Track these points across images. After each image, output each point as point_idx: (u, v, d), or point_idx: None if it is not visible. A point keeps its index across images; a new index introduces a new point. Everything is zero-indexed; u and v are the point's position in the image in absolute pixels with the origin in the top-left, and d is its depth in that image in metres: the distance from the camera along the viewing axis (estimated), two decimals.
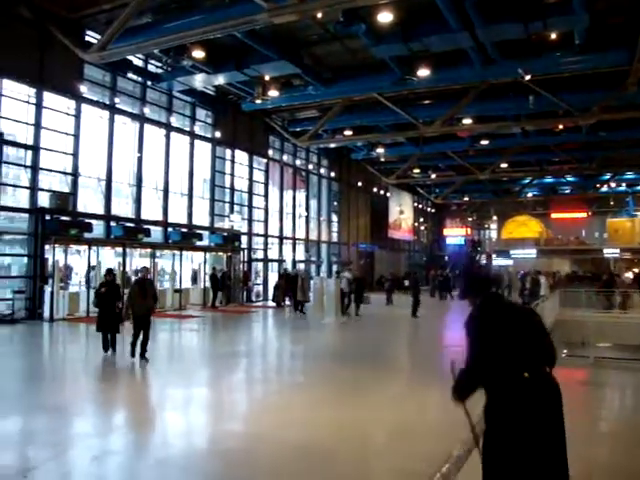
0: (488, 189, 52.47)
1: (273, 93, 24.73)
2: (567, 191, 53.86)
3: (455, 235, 63.36)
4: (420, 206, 57.73)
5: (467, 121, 29.04)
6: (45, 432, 7.32)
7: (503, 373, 3.62)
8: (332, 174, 39.49)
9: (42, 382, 10.44)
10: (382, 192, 46.56)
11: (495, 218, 61.85)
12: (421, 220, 58.60)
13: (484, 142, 33.61)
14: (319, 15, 17.89)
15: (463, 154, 37.66)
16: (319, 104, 28.34)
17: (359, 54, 22.23)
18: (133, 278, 23.87)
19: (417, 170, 45.39)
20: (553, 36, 19.08)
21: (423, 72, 21.57)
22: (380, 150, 37.00)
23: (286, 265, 33.57)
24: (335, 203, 40.55)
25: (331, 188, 39.93)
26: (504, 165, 41.37)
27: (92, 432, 7.44)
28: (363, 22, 18.48)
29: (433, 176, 45.82)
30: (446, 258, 60.31)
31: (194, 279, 26.94)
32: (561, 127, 30.27)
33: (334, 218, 40.63)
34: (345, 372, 11.43)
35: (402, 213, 51.44)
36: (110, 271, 13.65)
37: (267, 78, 24.03)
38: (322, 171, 38.93)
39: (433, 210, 61.37)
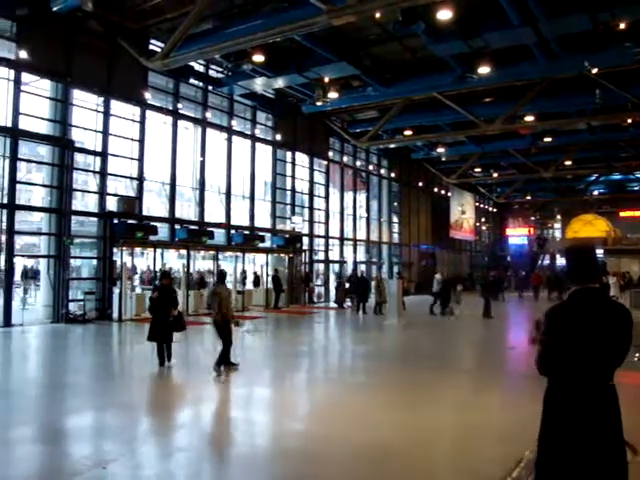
0: (552, 187, 51.16)
1: (333, 95, 24.77)
2: (637, 188, 52.10)
3: (518, 235, 62.13)
4: (482, 206, 56.84)
5: (529, 118, 28.38)
6: (120, 428, 7.53)
7: (566, 378, 3.46)
8: (392, 175, 39.30)
9: (113, 380, 10.72)
10: (443, 192, 46.09)
11: (559, 217, 60.34)
12: (483, 220, 57.70)
13: (547, 139, 32.79)
14: (377, 15, 17.87)
15: (525, 152, 36.77)
16: (378, 105, 28.22)
17: (418, 53, 22.04)
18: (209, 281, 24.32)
19: (478, 169, 44.74)
20: (622, 26, 18.41)
21: (484, 69, 21.24)
22: (440, 149, 36.53)
23: (347, 266, 33.68)
24: (395, 204, 40.30)
25: (391, 189, 39.71)
26: (568, 162, 40.23)
27: (162, 429, 7.60)
28: (422, 20, 18.31)
29: (495, 175, 45.04)
30: (508, 258, 59.17)
31: (243, 280, 26.79)
32: (630, 121, 29.26)
33: (395, 219, 40.40)
34: (409, 373, 11.34)
35: (463, 213, 50.72)
36: (166, 274, 12.83)
37: (326, 80, 24.09)
38: (382, 172, 38.79)
39: (495, 210, 60.29)
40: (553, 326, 3.51)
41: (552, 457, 3.50)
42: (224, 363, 10.95)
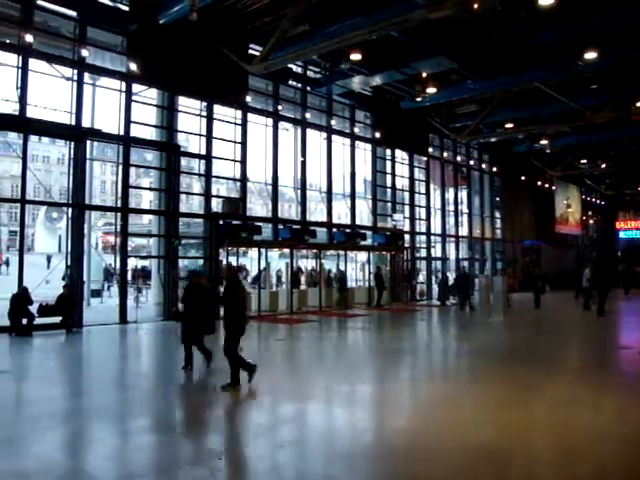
0: None
1: (431, 90, 24.52)
2: None
3: (629, 228, 59.19)
4: (588, 198, 54.53)
5: None
6: (230, 421, 7.79)
7: None
8: (494, 169, 38.37)
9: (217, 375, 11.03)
10: (547, 185, 44.51)
11: None
12: (590, 213, 55.34)
13: None
14: (476, 6, 17.49)
15: (637, 140, 34.93)
16: (478, 98, 27.67)
17: (518, 43, 21.34)
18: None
19: (584, 160, 42.84)
20: None
21: (590, 55, 20.34)
22: (544, 142, 35.18)
23: (450, 263, 33.28)
24: (498, 199, 39.35)
25: (493, 183, 38.82)
26: None
27: (270, 424, 7.75)
28: (522, 8, 17.82)
29: (603, 166, 42.96)
30: (619, 253, 56.42)
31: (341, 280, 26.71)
32: None
33: (497, 214, 39.46)
34: (515, 371, 10.98)
35: (569, 207, 49.01)
36: (196, 273, 11.92)
37: (424, 75, 23.88)
38: (483, 166, 37.98)
39: (603, 202, 57.64)
40: None
41: None
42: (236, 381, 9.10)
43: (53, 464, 5.95)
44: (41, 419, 7.58)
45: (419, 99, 25.37)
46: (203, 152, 21.49)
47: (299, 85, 25.37)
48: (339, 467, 6.01)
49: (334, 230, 26.12)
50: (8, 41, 16.85)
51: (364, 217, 28.62)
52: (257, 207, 25.04)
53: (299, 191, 25.16)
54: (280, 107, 24.20)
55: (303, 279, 26.35)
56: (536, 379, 10.11)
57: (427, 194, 32.35)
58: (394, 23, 16.81)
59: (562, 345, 15.32)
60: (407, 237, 30.01)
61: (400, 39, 19.98)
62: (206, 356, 10.70)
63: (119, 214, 19.44)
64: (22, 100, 16.74)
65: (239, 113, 22.68)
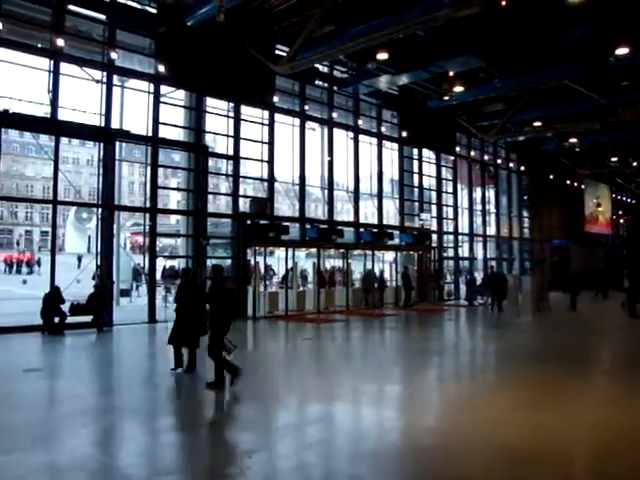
0: None
1: (459, 88, 24.38)
2: None
3: None
4: (619, 197, 53.73)
5: None
6: (258, 420, 7.83)
7: None
8: (522, 168, 38.01)
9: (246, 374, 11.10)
10: (576, 184, 43.94)
11: None
12: (620, 212, 54.51)
13: None
14: (503, 3, 17.34)
15: None
16: (505, 96, 27.41)
17: (548, 39, 21.08)
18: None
19: (614, 158, 42.18)
20: None
21: (621, 50, 20.03)
22: (573, 140, 34.71)
23: (477, 263, 33.06)
24: (525, 198, 38.95)
25: (521, 182, 38.44)
26: None
27: (298, 423, 7.79)
28: (551, 4, 17.63)
29: (634, 164, 42.23)
30: None
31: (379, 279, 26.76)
32: None
33: (525, 213, 39.06)
34: (544, 372, 10.83)
35: (599, 206, 48.33)
36: (186, 272, 12.01)
37: (451, 74, 23.75)
38: (511, 165, 37.64)
39: (634, 201, 56.72)
40: None
41: None
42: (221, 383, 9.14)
43: (85, 460, 6.03)
44: (73, 416, 7.71)
45: (446, 98, 25.28)
46: (231, 152, 21.62)
47: (326, 85, 25.38)
48: (366, 466, 6.00)
49: (361, 230, 26.12)
50: (40, 45, 17.15)
51: (391, 217, 28.57)
52: (284, 207, 25.07)
53: (326, 191, 25.18)
54: (307, 107, 24.28)
55: (339, 279, 26.36)
56: (567, 380, 10.01)
57: (454, 193, 32.17)
58: (420, 22, 16.73)
59: (595, 346, 15.15)
60: (434, 237, 29.86)
61: (426, 38, 19.89)
62: (191, 361, 10.49)
63: (148, 214, 19.64)
64: (54, 103, 17.03)
65: (266, 113, 22.76)
